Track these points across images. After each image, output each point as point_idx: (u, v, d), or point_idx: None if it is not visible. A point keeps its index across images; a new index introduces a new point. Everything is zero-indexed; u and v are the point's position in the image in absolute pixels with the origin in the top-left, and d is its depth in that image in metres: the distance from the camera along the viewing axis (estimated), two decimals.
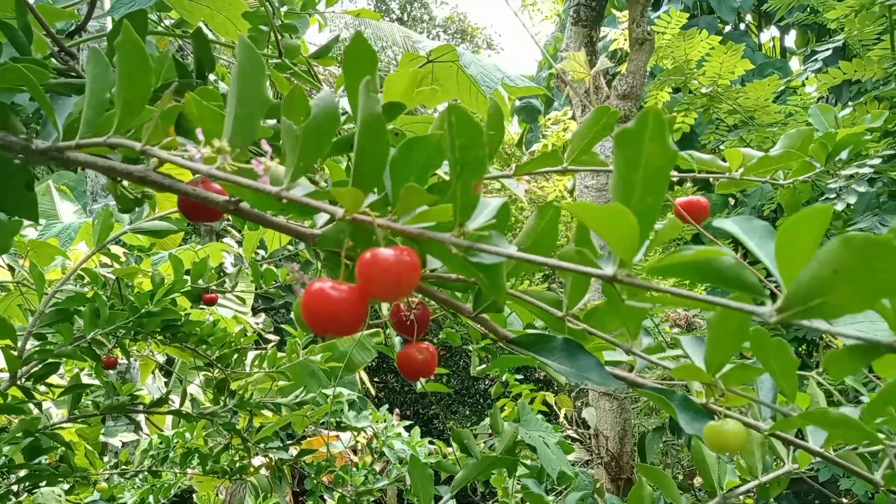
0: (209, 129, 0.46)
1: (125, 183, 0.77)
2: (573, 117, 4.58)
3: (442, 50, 1.12)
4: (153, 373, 4.61)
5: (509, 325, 0.78)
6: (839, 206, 3.13)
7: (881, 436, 0.69)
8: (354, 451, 3.57)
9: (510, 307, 0.92)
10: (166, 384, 4.94)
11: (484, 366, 2.27)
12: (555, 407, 4.76)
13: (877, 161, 3.17)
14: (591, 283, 0.58)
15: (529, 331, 0.63)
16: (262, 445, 1.96)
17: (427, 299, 0.69)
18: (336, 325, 0.36)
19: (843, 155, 0.87)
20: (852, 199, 3.11)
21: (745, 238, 0.35)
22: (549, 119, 5.11)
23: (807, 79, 3.82)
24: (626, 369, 0.71)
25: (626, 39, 3.99)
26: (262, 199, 0.42)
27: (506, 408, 2.37)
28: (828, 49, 3.36)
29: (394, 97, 0.58)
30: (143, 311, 1.41)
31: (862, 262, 0.29)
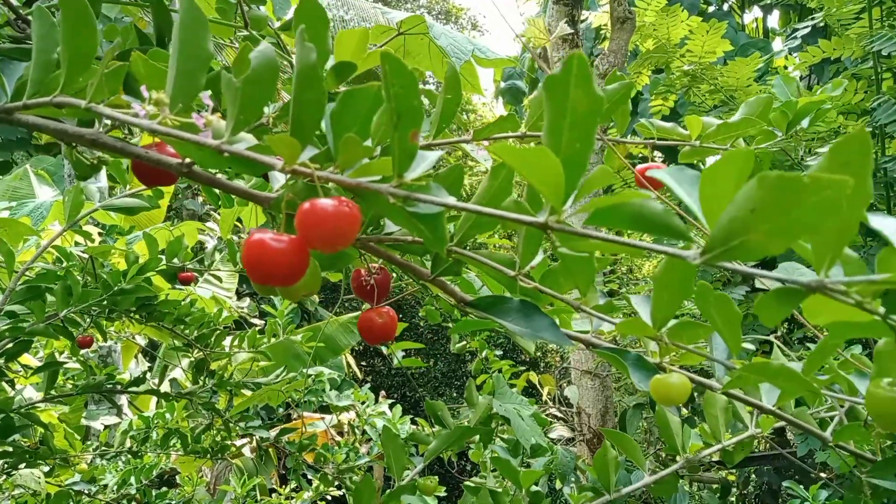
0: (155, 87, 0.45)
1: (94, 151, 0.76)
2: None
3: (412, 21, 1.11)
4: (136, 357, 4.58)
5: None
6: None
7: (834, 394, 0.71)
8: (341, 434, 3.59)
9: (481, 279, 0.93)
10: (150, 369, 4.91)
11: (464, 342, 2.29)
12: (538, 386, 4.81)
13: None
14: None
15: (487, 294, 0.64)
16: (242, 424, 1.97)
17: (393, 267, 0.70)
18: (274, 274, 0.37)
19: (805, 123, 0.88)
20: None
21: (675, 185, 0.35)
22: (532, 99, 5.10)
23: (786, 57, 3.84)
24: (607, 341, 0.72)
25: (608, 19, 3.99)
26: (206, 156, 0.42)
27: (485, 384, 2.38)
28: (807, 27, 3.37)
29: (344, 56, 0.58)
30: (117, 288, 1.41)
31: (777, 200, 0.30)
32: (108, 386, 1.69)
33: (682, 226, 0.34)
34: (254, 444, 2.42)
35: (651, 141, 0.75)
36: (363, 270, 0.65)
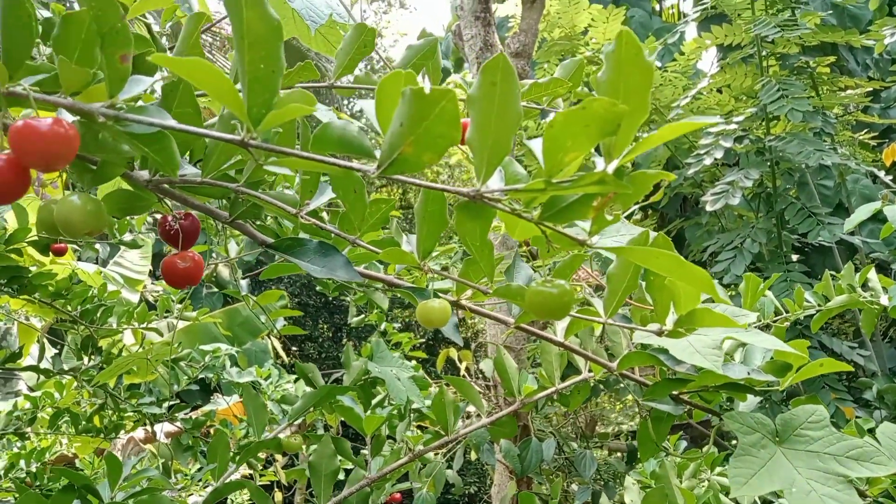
0: None
1: None
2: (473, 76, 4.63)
3: None
4: (39, 342, 4.37)
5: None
6: (707, 161, 3.34)
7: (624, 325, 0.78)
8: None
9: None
10: (58, 356, 4.70)
11: (362, 315, 2.32)
12: (457, 361, 4.92)
13: (741, 118, 3.41)
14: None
15: (287, 237, 0.66)
16: (132, 402, 1.94)
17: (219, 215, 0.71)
18: None
19: None
20: (719, 154, 3.34)
21: (369, 110, 0.39)
22: (449, 82, 5.16)
23: (688, 41, 4.01)
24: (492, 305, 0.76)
25: (517, 4, 4.06)
26: None
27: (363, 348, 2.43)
28: (697, 11, 3.55)
29: None
30: None
31: (414, 112, 0.34)
32: None
33: (370, 146, 0.38)
34: (169, 428, 2.37)
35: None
36: (169, 216, 0.67)
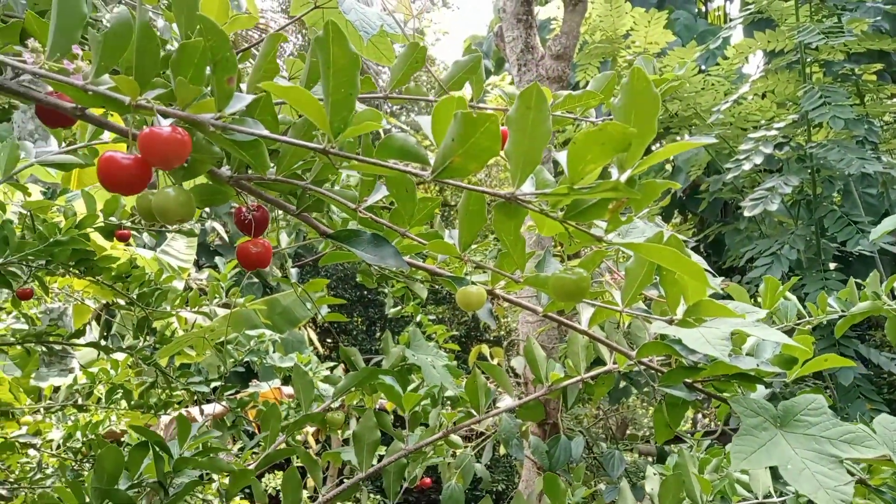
0: (44, 42, 0.56)
1: None
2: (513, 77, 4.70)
3: None
4: (90, 324, 4.61)
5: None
6: (746, 167, 3.35)
7: (640, 312, 0.85)
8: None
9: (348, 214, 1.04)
10: (106, 336, 4.93)
11: (399, 307, 2.42)
12: (489, 357, 5.00)
13: (782, 125, 3.40)
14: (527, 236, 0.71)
15: (344, 228, 0.76)
16: (182, 381, 2.07)
17: (270, 205, 0.81)
18: (119, 183, 0.48)
19: None
20: (759, 160, 3.34)
21: (426, 127, 0.48)
22: (488, 84, 5.25)
23: (730, 46, 4.00)
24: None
25: (559, 6, 4.10)
26: (76, 94, 0.53)
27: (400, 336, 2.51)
28: (741, 17, 3.54)
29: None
30: (52, 240, 1.49)
31: (463, 130, 0.42)
32: (46, 336, 1.78)
33: (425, 155, 0.47)
34: (216, 411, 2.49)
35: (504, 108, 0.87)
36: (243, 208, 0.77)
